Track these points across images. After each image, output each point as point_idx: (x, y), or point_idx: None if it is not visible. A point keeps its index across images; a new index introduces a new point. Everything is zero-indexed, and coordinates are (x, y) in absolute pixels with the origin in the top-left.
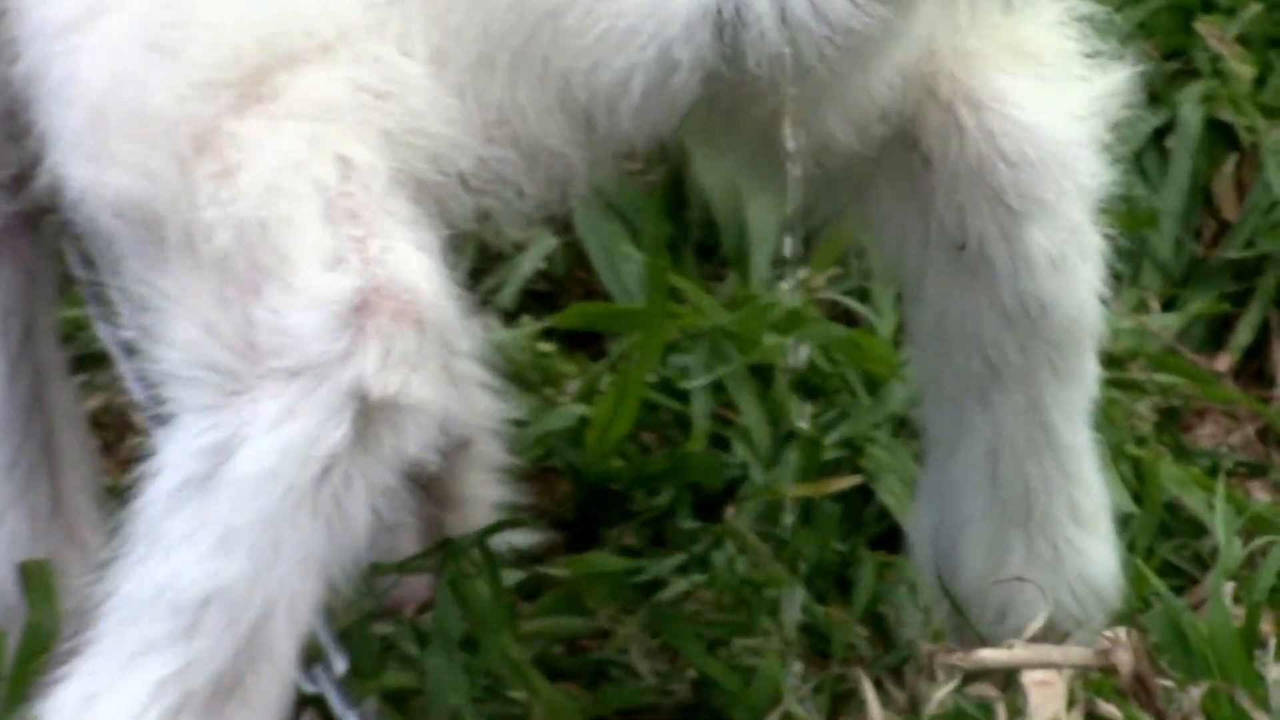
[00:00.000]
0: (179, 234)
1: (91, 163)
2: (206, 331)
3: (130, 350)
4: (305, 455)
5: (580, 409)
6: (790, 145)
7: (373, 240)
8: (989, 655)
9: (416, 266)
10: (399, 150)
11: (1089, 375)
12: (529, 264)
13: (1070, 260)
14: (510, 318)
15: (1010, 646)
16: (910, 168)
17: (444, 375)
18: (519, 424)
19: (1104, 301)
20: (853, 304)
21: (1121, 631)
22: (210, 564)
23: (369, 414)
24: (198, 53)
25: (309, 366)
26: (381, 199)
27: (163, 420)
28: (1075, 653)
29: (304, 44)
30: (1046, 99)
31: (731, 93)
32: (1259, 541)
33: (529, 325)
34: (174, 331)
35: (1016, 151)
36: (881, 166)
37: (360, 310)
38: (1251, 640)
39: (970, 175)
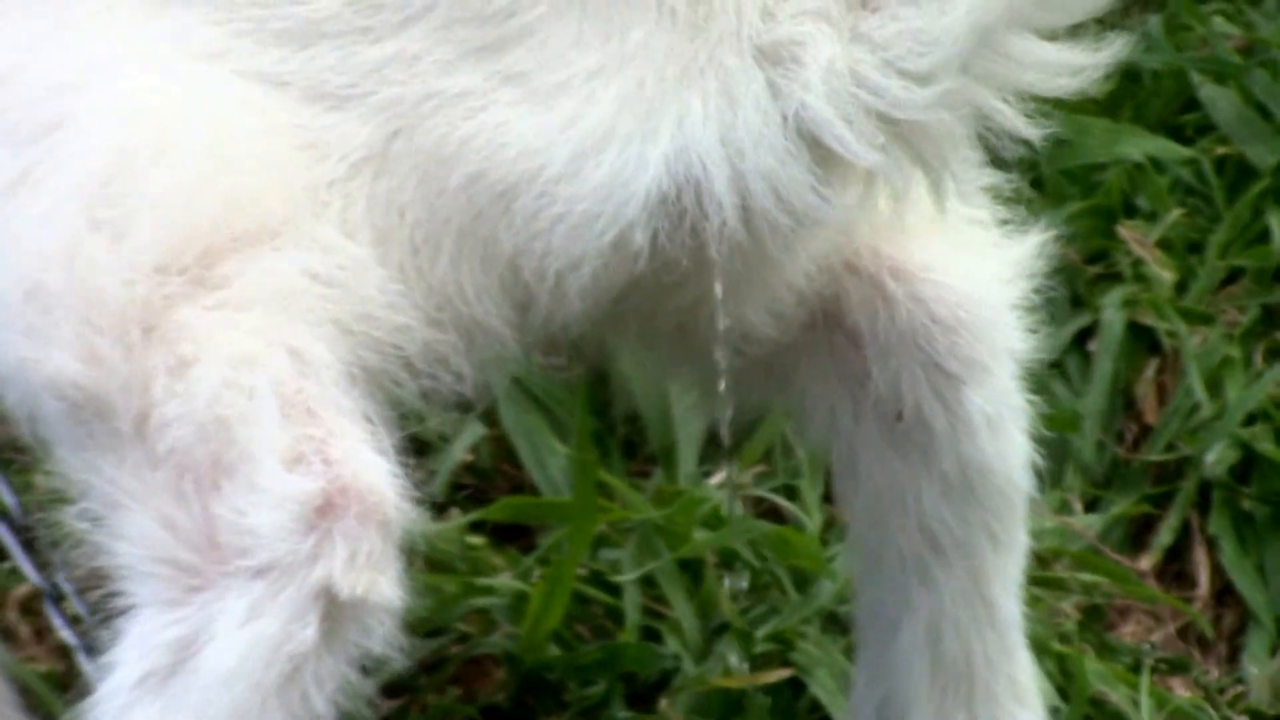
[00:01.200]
0: (130, 424)
1: (27, 339)
2: (164, 526)
3: (57, 592)
4: (274, 654)
5: (517, 584)
6: (721, 324)
7: (332, 440)
8: None
9: (377, 467)
10: (349, 340)
11: (1022, 544)
12: (456, 456)
13: (1005, 422)
14: (439, 510)
15: None
16: (835, 346)
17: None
18: (450, 602)
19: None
20: (780, 501)
21: None
22: None
23: (336, 614)
24: (145, 233)
25: (275, 566)
26: (335, 394)
27: (91, 649)
28: None
29: (251, 227)
30: (970, 265)
31: (657, 278)
32: None
33: (458, 518)
34: (129, 525)
35: (951, 316)
36: (803, 351)
37: (325, 511)
38: None
39: (904, 344)
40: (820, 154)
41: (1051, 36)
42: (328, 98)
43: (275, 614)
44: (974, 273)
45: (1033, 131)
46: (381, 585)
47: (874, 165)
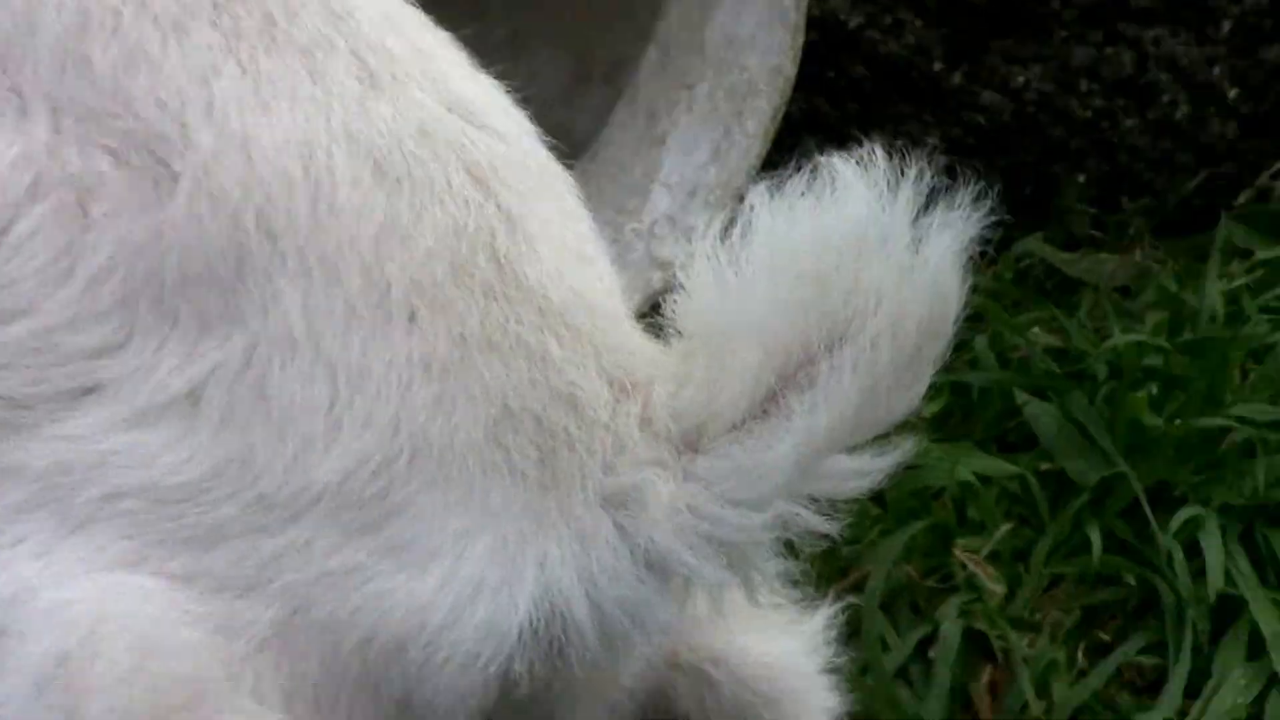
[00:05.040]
0: None
1: None
2: None
3: None
4: None
5: None
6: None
7: None
8: None
9: None
10: None
11: None
12: None
13: None
14: None
15: None
16: None
17: None
18: None
19: None
20: None
21: None
22: None
23: None
24: (93, 714)
25: None
26: None
27: None
28: None
29: (181, 700)
30: (778, 644)
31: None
32: None
33: None
34: None
35: (771, 689)
36: None
37: None
38: None
39: (733, 719)
40: (664, 577)
41: (851, 449)
42: (233, 588)
43: None
44: (783, 649)
45: (829, 526)
46: None
47: (713, 584)
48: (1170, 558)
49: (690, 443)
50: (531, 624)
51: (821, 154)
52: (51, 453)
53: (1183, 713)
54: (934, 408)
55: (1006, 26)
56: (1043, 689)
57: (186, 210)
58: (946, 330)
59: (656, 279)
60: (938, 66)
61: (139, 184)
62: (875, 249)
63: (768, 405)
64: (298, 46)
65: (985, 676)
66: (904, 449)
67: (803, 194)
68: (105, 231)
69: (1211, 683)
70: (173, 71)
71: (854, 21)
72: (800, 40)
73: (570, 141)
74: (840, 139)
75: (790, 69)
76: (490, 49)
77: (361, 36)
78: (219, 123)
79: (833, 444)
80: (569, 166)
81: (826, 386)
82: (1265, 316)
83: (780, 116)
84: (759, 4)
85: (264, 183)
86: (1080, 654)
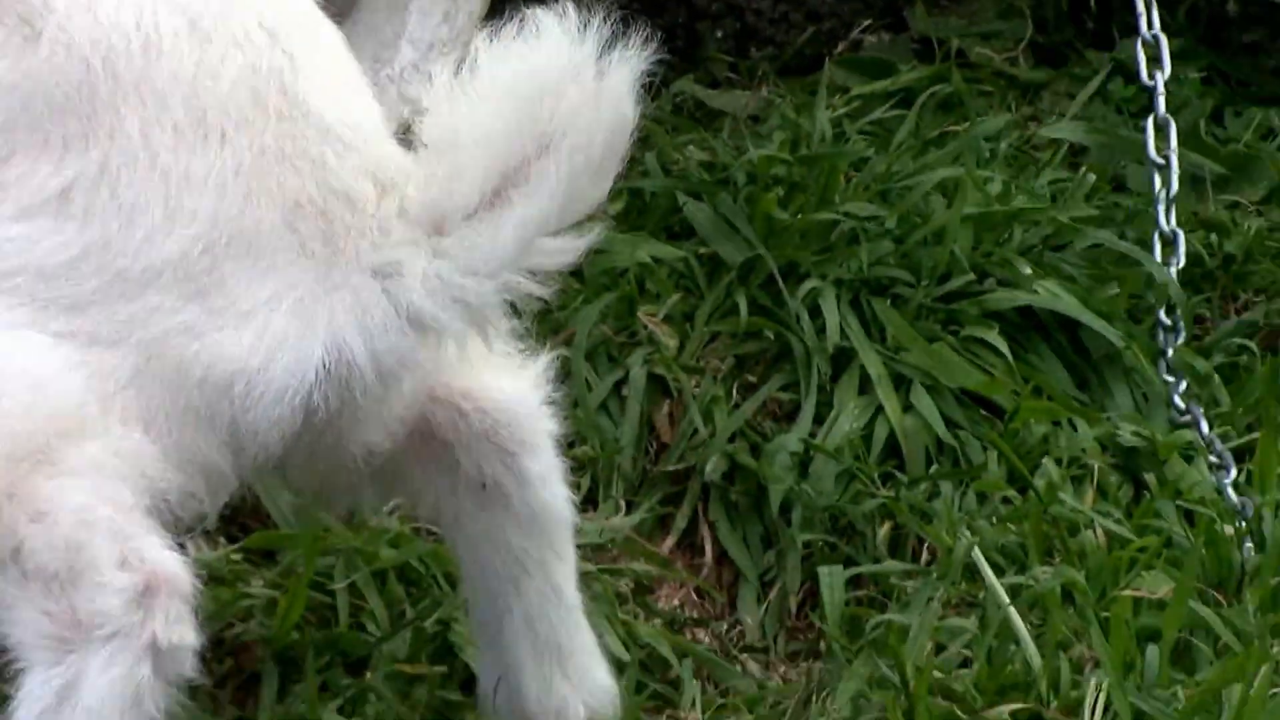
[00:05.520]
0: (8, 555)
1: None
2: (43, 614)
3: None
4: (125, 688)
5: (270, 591)
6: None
7: (145, 549)
8: None
9: (175, 560)
10: (139, 489)
11: (573, 554)
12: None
13: (550, 477)
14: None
15: None
16: (432, 451)
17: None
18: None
19: (575, 503)
20: (431, 527)
21: None
22: None
23: (161, 657)
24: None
25: (119, 633)
26: (141, 519)
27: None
28: None
29: (69, 426)
30: (510, 382)
31: (320, 429)
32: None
33: (225, 547)
34: (19, 616)
35: (506, 415)
36: (414, 459)
37: (146, 593)
38: None
39: (479, 439)
40: (422, 330)
41: (557, 233)
42: (102, 342)
43: (123, 663)
44: (514, 386)
45: (545, 290)
46: (186, 635)
47: (459, 335)
48: (799, 318)
49: (437, 227)
50: (325, 365)
51: (527, 10)
52: None
53: (813, 434)
54: (617, 206)
55: None
56: (708, 418)
57: (49, 58)
58: (625, 143)
59: (406, 111)
60: None
61: (10, 39)
62: (571, 79)
63: (494, 199)
64: None
65: (665, 408)
66: (596, 234)
67: (515, 39)
68: None
69: (833, 413)
70: None
71: None
72: None
73: (336, 6)
74: (540, 1)
75: None
76: None
77: None
78: None
79: (543, 228)
80: (338, 25)
81: (538, 183)
82: (862, 137)
83: None
84: None
85: (106, 34)
86: (734, 391)
